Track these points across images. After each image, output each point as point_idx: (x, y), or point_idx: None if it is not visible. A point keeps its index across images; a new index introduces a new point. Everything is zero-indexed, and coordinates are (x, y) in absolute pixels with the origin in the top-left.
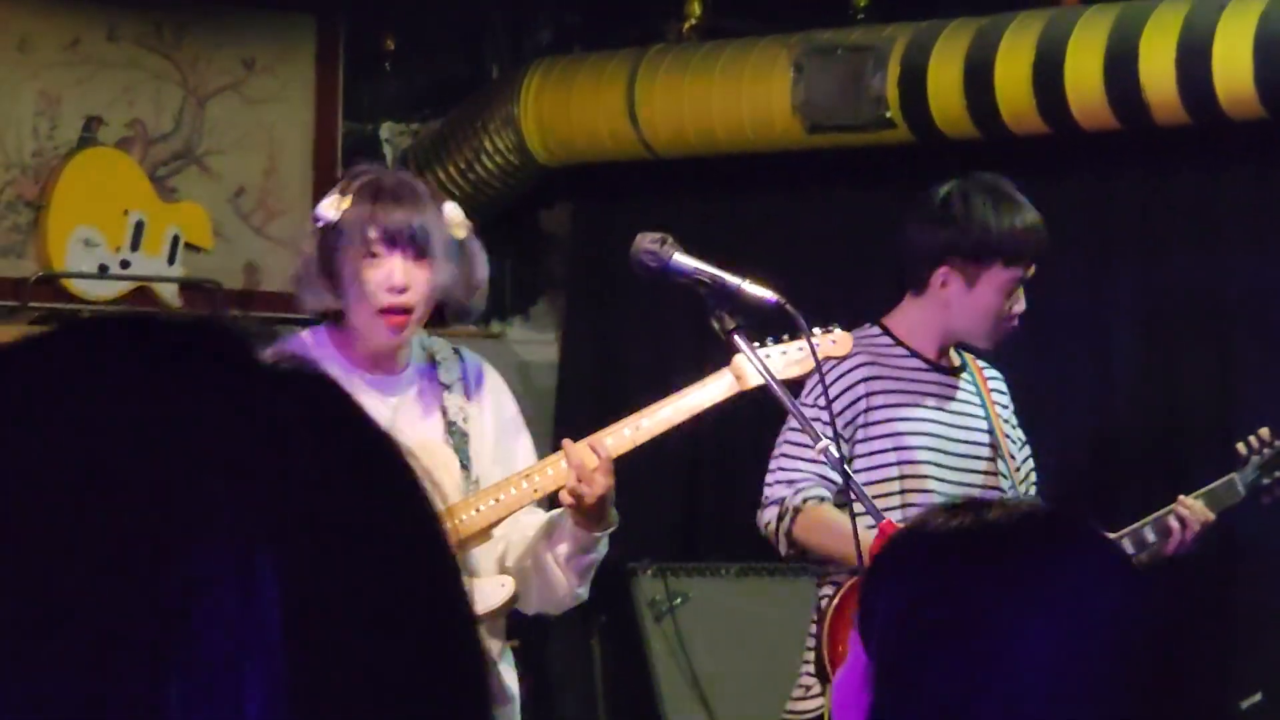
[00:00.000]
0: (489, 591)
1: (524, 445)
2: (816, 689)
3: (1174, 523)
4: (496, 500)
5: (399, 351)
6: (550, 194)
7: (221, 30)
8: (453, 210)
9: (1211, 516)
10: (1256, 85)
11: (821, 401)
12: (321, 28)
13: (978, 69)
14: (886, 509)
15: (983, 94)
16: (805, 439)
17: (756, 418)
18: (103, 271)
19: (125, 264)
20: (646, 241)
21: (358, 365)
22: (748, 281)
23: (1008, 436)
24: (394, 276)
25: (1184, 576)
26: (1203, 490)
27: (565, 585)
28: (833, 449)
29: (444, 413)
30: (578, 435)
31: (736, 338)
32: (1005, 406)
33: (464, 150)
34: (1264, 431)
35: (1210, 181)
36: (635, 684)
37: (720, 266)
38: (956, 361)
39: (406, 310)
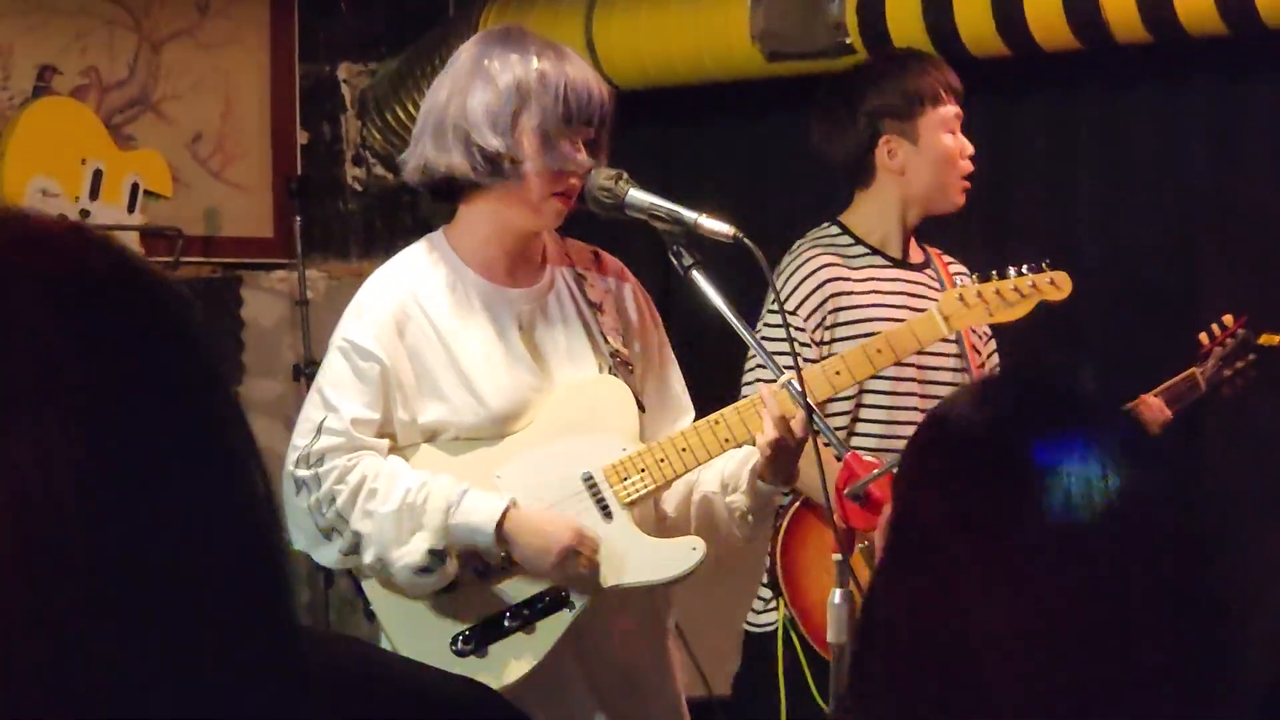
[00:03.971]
0: (680, 555)
1: (677, 371)
2: (773, 603)
3: None
4: (683, 450)
5: (534, 248)
6: None
7: None
8: None
9: (1168, 414)
10: (1216, 1)
11: (784, 321)
12: None
13: None
14: (858, 410)
15: (942, 17)
16: (768, 374)
17: (720, 348)
18: None
19: (84, 213)
20: (601, 178)
21: (492, 274)
22: (705, 215)
23: (972, 330)
24: (582, 155)
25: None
26: (1161, 387)
27: (737, 539)
28: (795, 382)
29: (605, 339)
30: None
31: (695, 274)
32: None
33: (422, 88)
34: (1228, 318)
35: (1172, 99)
36: None
37: (679, 200)
38: (920, 257)
39: (575, 195)
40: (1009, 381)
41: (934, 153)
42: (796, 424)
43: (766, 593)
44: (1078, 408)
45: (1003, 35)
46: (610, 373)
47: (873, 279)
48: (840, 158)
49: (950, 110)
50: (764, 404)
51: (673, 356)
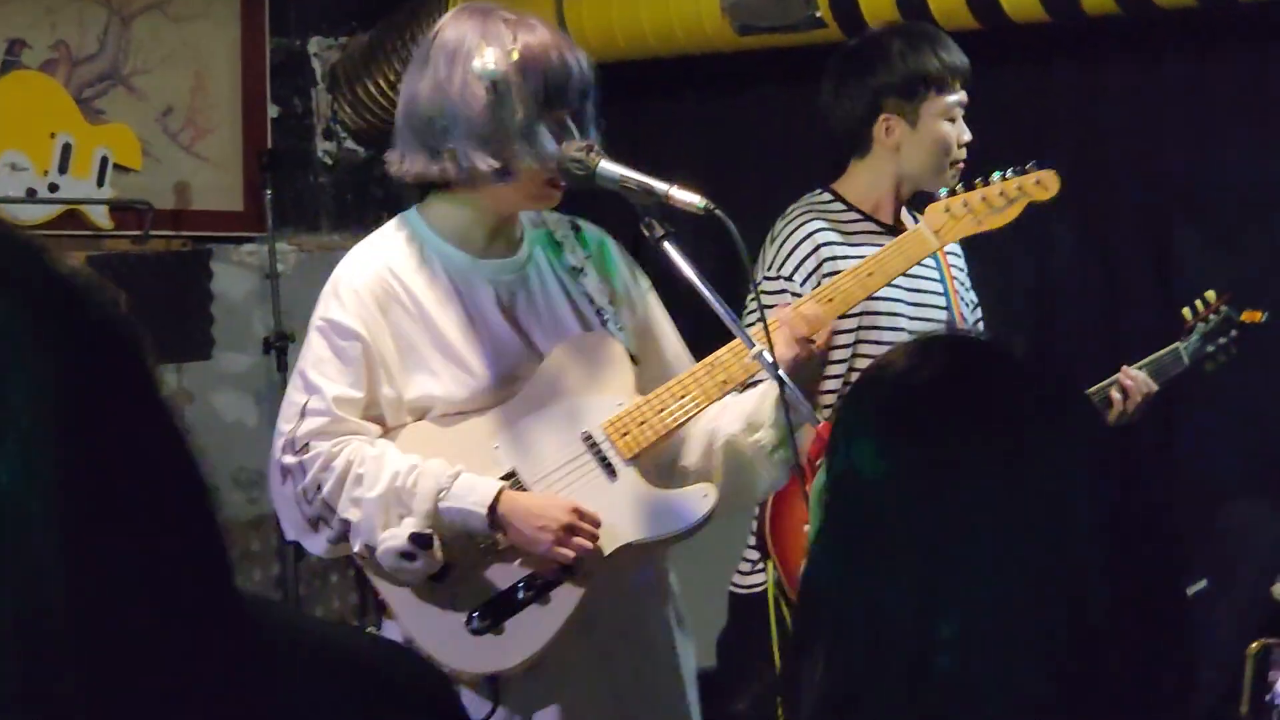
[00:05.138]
0: (691, 504)
1: (670, 323)
2: (761, 564)
3: (1116, 394)
4: (682, 397)
5: (512, 221)
6: None
7: None
8: None
9: (1154, 387)
10: None
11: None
12: None
13: None
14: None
15: None
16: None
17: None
18: (31, 196)
19: (54, 187)
20: (572, 150)
21: (468, 248)
22: (676, 186)
23: (961, 299)
24: (572, 140)
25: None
26: (1146, 360)
27: (771, 477)
28: (767, 354)
29: (589, 299)
30: None
31: (666, 244)
32: (960, 269)
33: (393, 62)
34: (1210, 294)
35: (1143, 72)
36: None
37: (650, 172)
38: (911, 224)
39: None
40: (947, 339)
41: (930, 138)
42: (823, 335)
43: (754, 554)
44: (1014, 367)
45: (972, 8)
46: (597, 329)
47: (865, 245)
48: (840, 124)
49: (954, 98)
50: (781, 325)
51: (666, 314)
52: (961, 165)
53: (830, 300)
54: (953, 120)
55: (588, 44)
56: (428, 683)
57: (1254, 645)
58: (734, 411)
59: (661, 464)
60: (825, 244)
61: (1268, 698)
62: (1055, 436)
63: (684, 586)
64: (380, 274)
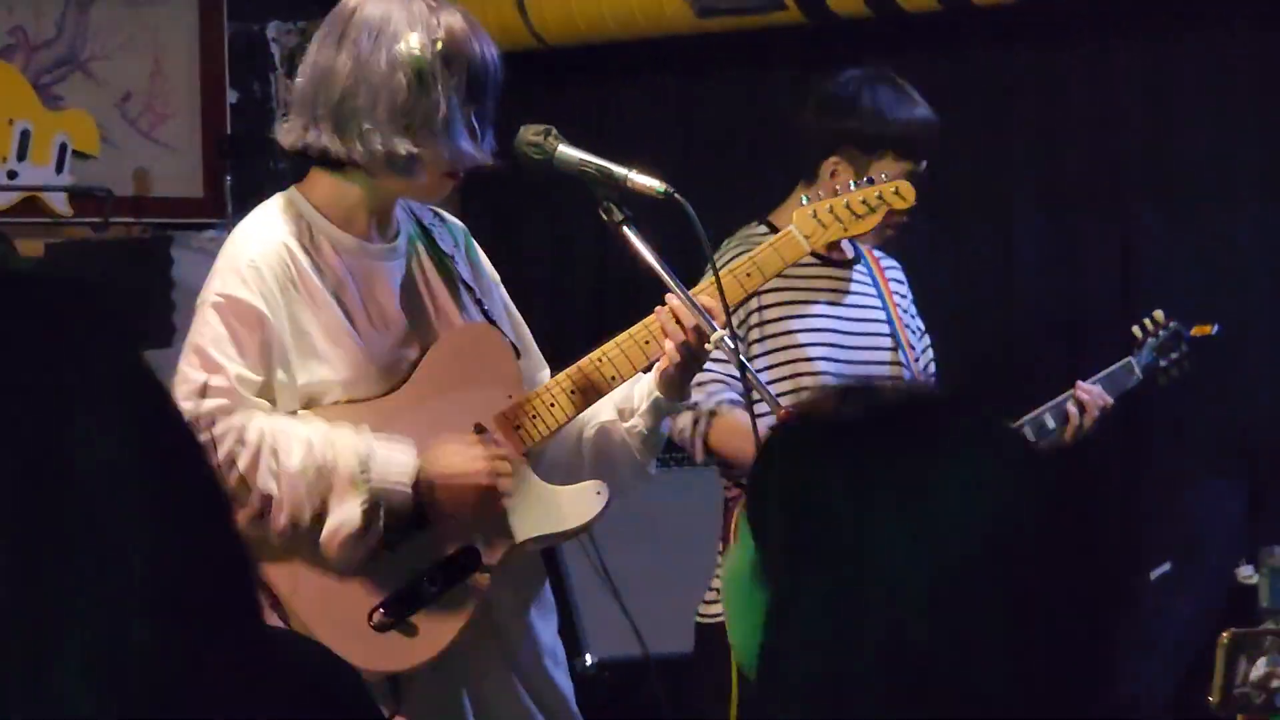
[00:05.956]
0: (586, 500)
1: (521, 320)
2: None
3: (1072, 408)
4: (571, 392)
5: (391, 212)
6: None
7: None
8: None
9: (1110, 401)
10: None
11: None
12: None
13: None
14: (796, 391)
15: None
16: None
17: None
18: None
19: (12, 174)
20: (530, 134)
21: (354, 231)
22: (635, 171)
23: (906, 327)
24: (476, 144)
25: (1090, 452)
26: (1101, 374)
27: (638, 465)
28: (728, 340)
29: (469, 290)
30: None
31: (625, 229)
32: (904, 296)
33: None
34: (1158, 314)
35: (1107, 57)
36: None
37: (610, 156)
38: (850, 254)
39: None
40: (868, 390)
41: None
42: (713, 337)
43: (718, 583)
44: (939, 415)
45: None
46: (481, 319)
47: (799, 276)
48: (801, 139)
49: (909, 167)
50: (675, 314)
51: (516, 310)
52: (894, 231)
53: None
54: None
55: (547, 26)
56: (338, 680)
57: (1224, 635)
58: (605, 401)
59: (544, 457)
60: None
61: (1238, 688)
62: (965, 461)
63: (651, 617)
64: (279, 253)
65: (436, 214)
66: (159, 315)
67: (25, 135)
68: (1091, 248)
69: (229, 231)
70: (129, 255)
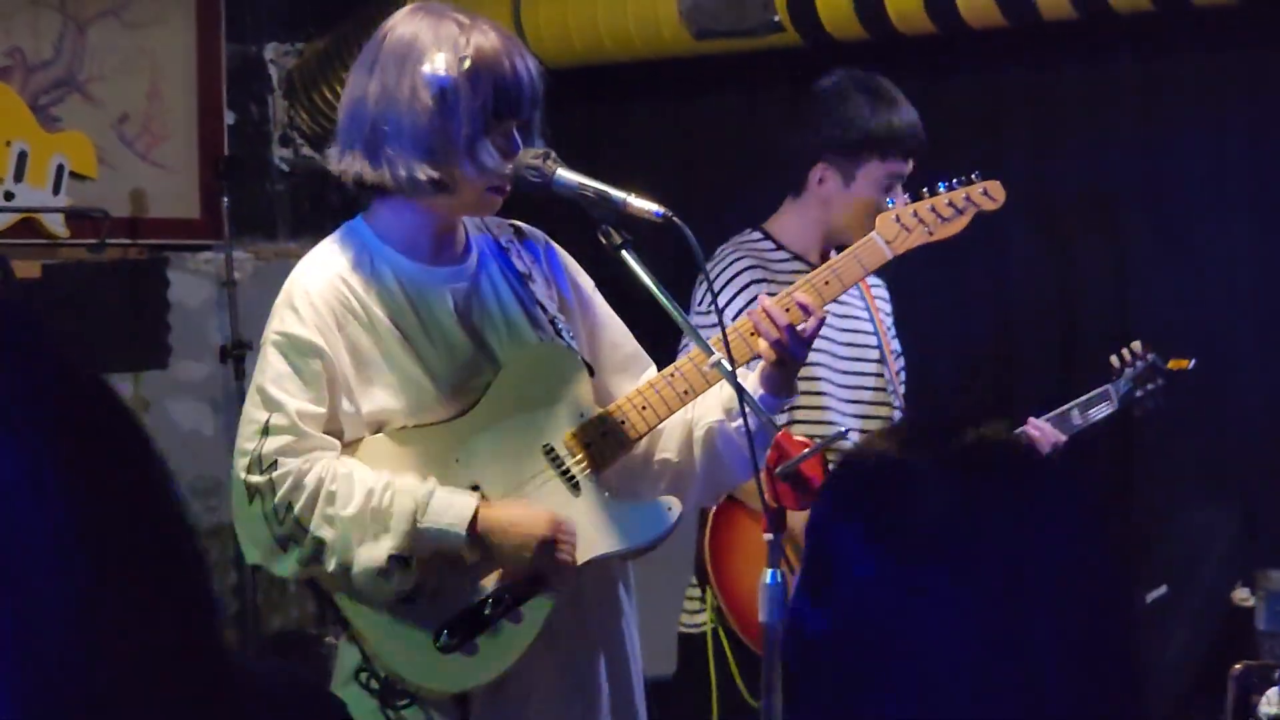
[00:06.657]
0: (657, 516)
1: (624, 328)
2: (702, 603)
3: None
4: (643, 408)
5: (457, 227)
6: None
7: None
8: None
9: (1062, 438)
10: None
11: (712, 310)
12: None
13: None
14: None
15: None
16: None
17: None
18: None
19: (9, 195)
20: (529, 158)
21: (417, 256)
22: (633, 195)
23: (890, 345)
24: (513, 154)
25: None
26: (1076, 401)
27: (749, 461)
28: (725, 363)
29: (541, 306)
30: None
31: (624, 253)
32: (888, 315)
33: (350, 68)
34: (1136, 345)
35: (1098, 76)
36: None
37: (607, 178)
38: None
39: (510, 184)
40: (927, 428)
41: (861, 200)
42: (811, 323)
43: (697, 592)
44: (989, 459)
45: (930, 13)
46: (553, 339)
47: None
48: (786, 154)
49: (894, 168)
50: (768, 314)
51: (615, 315)
52: None
53: (787, 309)
54: (888, 189)
55: (544, 48)
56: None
57: (1236, 666)
58: (710, 400)
59: (635, 460)
60: (755, 281)
61: None
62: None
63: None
64: (334, 285)
65: (517, 229)
66: (155, 336)
67: (22, 156)
68: (1084, 267)
69: (225, 253)
70: (125, 276)
